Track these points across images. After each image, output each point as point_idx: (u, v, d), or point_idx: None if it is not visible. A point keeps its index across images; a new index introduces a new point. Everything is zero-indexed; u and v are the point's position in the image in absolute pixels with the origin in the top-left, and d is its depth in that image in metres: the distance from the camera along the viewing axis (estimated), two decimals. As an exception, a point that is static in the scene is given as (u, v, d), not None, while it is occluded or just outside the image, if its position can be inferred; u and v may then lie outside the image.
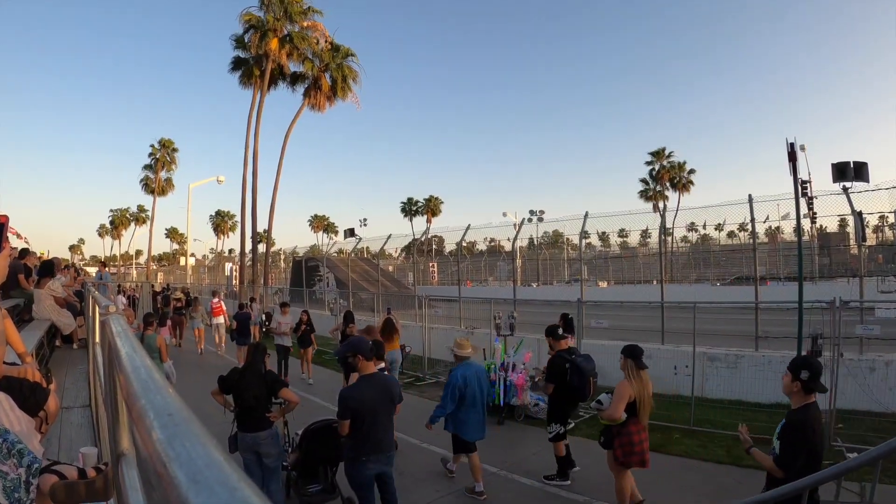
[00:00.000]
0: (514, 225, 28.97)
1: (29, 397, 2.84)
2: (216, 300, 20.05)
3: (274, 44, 30.91)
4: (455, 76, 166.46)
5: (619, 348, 12.09)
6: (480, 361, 5.52)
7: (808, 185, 11.41)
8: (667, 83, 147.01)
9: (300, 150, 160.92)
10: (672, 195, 59.25)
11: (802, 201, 10.49)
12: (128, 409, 0.87)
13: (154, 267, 70.16)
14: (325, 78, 32.70)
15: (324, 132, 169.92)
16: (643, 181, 60.28)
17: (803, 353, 8.52)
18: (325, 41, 32.38)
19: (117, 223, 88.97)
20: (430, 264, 48.58)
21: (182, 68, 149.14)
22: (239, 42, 32.77)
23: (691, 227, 43.49)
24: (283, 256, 41.12)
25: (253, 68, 32.57)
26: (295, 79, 33.58)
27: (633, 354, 6.02)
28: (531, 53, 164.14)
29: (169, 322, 17.40)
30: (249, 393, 5.90)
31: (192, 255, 63.31)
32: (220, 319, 19.57)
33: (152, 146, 60.97)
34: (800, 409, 4.13)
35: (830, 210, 12.51)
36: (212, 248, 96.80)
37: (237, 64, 33.35)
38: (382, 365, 6.80)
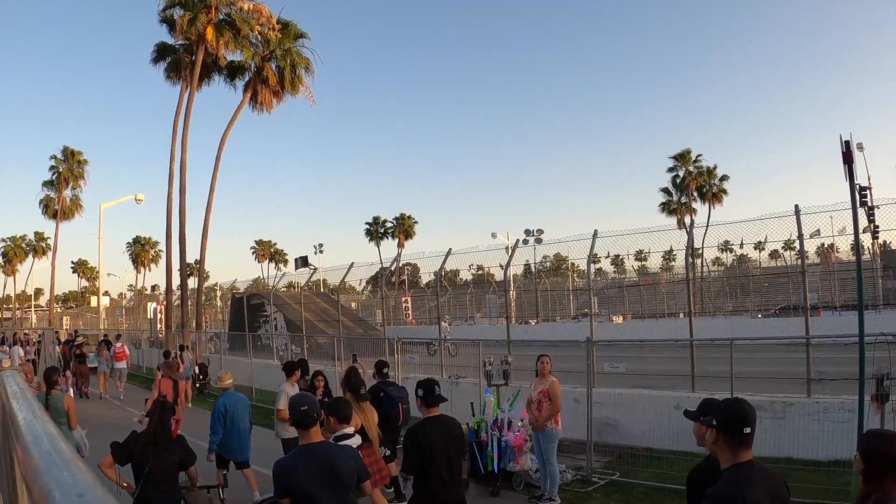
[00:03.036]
0: (507, 248, 29.07)
1: None
2: (119, 344, 23.53)
3: (209, 32, 30.78)
4: (432, 69, 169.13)
5: (639, 398, 12.03)
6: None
7: (867, 192, 11.58)
8: (688, 73, 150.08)
9: (241, 160, 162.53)
10: (700, 208, 59.97)
11: (861, 212, 10.60)
12: (28, 489, 0.85)
13: (58, 309, 69.33)
14: (271, 68, 32.86)
15: (270, 138, 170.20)
16: (664, 191, 61.03)
17: (866, 397, 8.50)
18: (271, 26, 32.47)
19: (10, 255, 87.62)
20: (403, 299, 48.40)
21: (91, 59, 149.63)
22: (166, 21, 32.47)
23: (725, 247, 44.05)
24: (219, 293, 40.85)
25: (181, 58, 32.64)
26: (234, 70, 33.74)
27: (352, 389, 9.12)
28: (521, 42, 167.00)
29: (68, 373, 18.10)
30: (161, 463, 5.77)
31: (106, 293, 62.67)
32: (123, 364, 23.07)
33: (54, 157, 60.75)
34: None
35: (896, 222, 12.67)
36: (130, 285, 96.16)
37: (162, 52, 33.40)
38: (350, 430, 6.45)
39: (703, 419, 3.93)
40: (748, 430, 3.41)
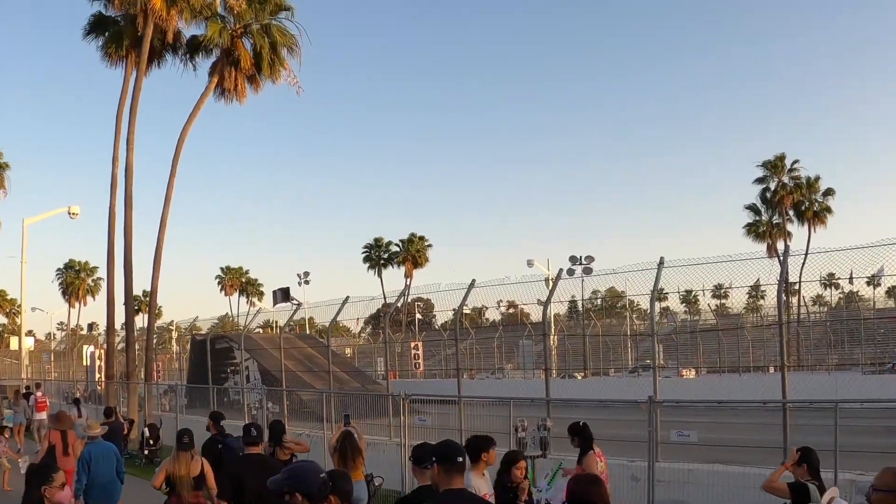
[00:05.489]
0: (547, 280, 29.06)
1: None
2: (40, 393, 24.97)
3: (156, 1, 30.63)
4: (452, 59, 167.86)
5: (716, 475, 12.07)
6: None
7: None
8: (781, 55, 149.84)
9: (205, 164, 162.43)
10: (797, 230, 59.87)
11: None
12: None
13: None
14: (244, 46, 32.64)
15: (244, 136, 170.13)
16: (751, 209, 61.03)
17: None
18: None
19: None
20: (412, 344, 48.03)
21: (8, 31, 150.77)
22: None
23: (829, 281, 43.74)
24: (175, 334, 40.96)
25: (124, 30, 32.15)
26: (194, 48, 33.52)
27: (178, 437, 10.64)
28: (565, 33, 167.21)
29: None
30: None
31: (30, 333, 62.94)
32: (44, 415, 23.53)
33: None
34: None
35: None
36: (61, 323, 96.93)
37: (98, 24, 32.74)
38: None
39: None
40: None
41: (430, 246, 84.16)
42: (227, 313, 77.20)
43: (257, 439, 9.14)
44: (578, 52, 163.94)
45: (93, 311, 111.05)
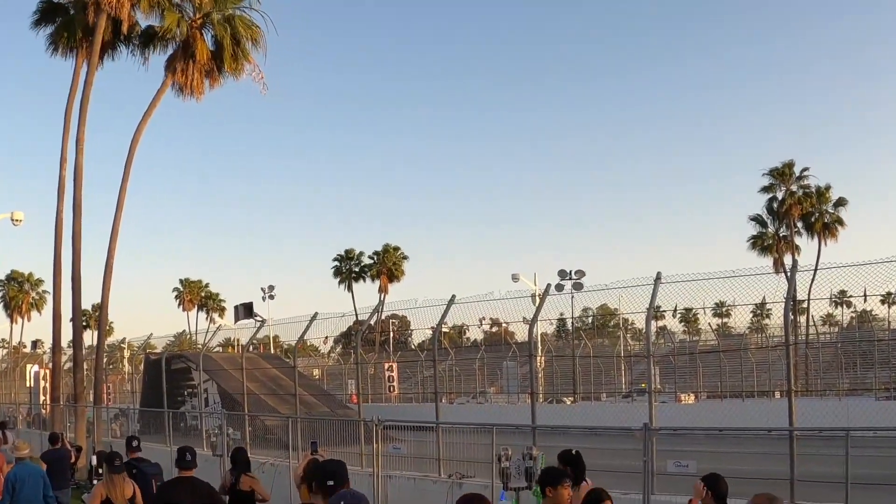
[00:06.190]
0: (533, 296, 28.99)
1: None
2: None
3: None
4: (432, 58, 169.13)
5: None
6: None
7: None
8: (789, 53, 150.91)
9: (161, 167, 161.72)
10: (806, 244, 60.07)
11: None
12: None
13: None
14: (201, 38, 32.61)
15: (203, 138, 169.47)
16: (756, 220, 61.33)
17: None
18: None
19: None
20: (387, 365, 47.93)
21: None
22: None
23: (841, 299, 43.94)
24: (128, 353, 40.64)
25: (74, 22, 32.27)
26: (149, 39, 33.50)
27: (108, 460, 11.07)
28: (556, 34, 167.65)
29: None
30: None
31: (-32, 350, 62.33)
32: None
33: None
34: None
35: None
36: (2, 340, 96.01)
37: (48, 13, 32.94)
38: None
39: None
40: None
41: (406, 258, 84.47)
42: (184, 330, 76.88)
43: (191, 464, 9.77)
44: (568, 50, 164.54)
45: (37, 327, 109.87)
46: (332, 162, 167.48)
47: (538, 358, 37.61)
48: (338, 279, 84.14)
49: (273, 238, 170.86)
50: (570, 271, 49.44)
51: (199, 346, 33.16)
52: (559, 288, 41.66)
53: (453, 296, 19.16)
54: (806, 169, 60.15)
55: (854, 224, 76.69)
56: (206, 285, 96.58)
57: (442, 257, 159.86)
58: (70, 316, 33.38)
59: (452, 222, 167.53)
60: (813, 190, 59.48)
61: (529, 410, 17.51)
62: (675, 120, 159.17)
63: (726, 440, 17.74)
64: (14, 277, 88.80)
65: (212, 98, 33.31)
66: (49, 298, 41.00)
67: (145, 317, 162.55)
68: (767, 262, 58.25)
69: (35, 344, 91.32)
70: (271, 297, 69.14)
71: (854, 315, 54.43)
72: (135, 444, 13.03)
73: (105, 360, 35.04)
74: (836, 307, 52.50)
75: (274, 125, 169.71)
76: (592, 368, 51.59)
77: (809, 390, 39.27)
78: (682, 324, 54.18)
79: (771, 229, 60.99)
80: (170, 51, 33.24)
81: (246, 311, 27.50)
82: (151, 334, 35.93)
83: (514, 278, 51.83)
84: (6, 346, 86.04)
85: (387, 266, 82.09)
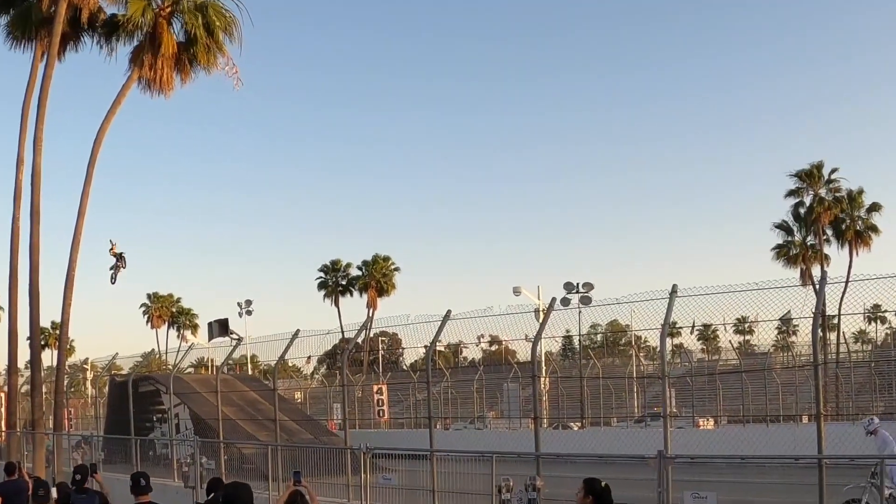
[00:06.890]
0: (537, 311, 28.85)
1: None
2: None
3: None
4: (426, 55, 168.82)
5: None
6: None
7: None
8: (816, 60, 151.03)
9: (126, 169, 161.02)
10: (837, 254, 59.99)
11: None
12: None
13: None
14: (170, 30, 32.59)
15: (174, 139, 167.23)
16: (781, 227, 61.33)
17: None
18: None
19: None
20: (375, 387, 48.09)
21: None
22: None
23: (874, 315, 43.78)
24: (91, 374, 40.53)
25: (31, 10, 32.48)
26: (113, 29, 33.60)
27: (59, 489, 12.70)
28: (559, 30, 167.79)
29: None
30: None
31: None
32: None
33: None
34: None
35: None
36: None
37: (2, 1, 33.63)
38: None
39: None
40: None
41: (397, 270, 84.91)
42: (153, 349, 76.31)
43: (146, 489, 10.81)
44: (573, 53, 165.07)
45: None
46: (315, 166, 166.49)
47: (542, 379, 37.57)
48: (323, 293, 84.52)
49: (251, 248, 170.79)
50: (578, 284, 49.46)
51: (170, 367, 33.16)
52: (565, 302, 41.66)
53: (449, 311, 19.39)
54: (836, 170, 60.37)
55: (889, 232, 77.07)
56: (178, 300, 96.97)
57: (436, 269, 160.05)
58: (27, 334, 33.31)
59: (448, 231, 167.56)
60: (844, 194, 59.48)
61: (532, 437, 17.74)
62: (690, 120, 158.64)
63: (749, 469, 17.63)
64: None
65: (182, 95, 33.13)
66: (4, 315, 40.60)
67: (110, 335, 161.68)
68: (794, 273, 58.55)
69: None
70: (249, 312, 69.43)
71: (889, 332, 54.46)
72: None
73: (66, 382, 35.00)
74: (870, 323, 52.54)
75: (251, 126, 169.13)
76: (602, 391, 51.73)
77: (840, 414, 39.18)
78: (701, 341, 54.22)
79: (797, 237, 61.05)
80: (136, 42, 33.28)
81: (221, 328, 27.38)
82: (117, 354, 35.96)
83: (516, 292, 51.83)
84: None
85: (376, 278, 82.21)
